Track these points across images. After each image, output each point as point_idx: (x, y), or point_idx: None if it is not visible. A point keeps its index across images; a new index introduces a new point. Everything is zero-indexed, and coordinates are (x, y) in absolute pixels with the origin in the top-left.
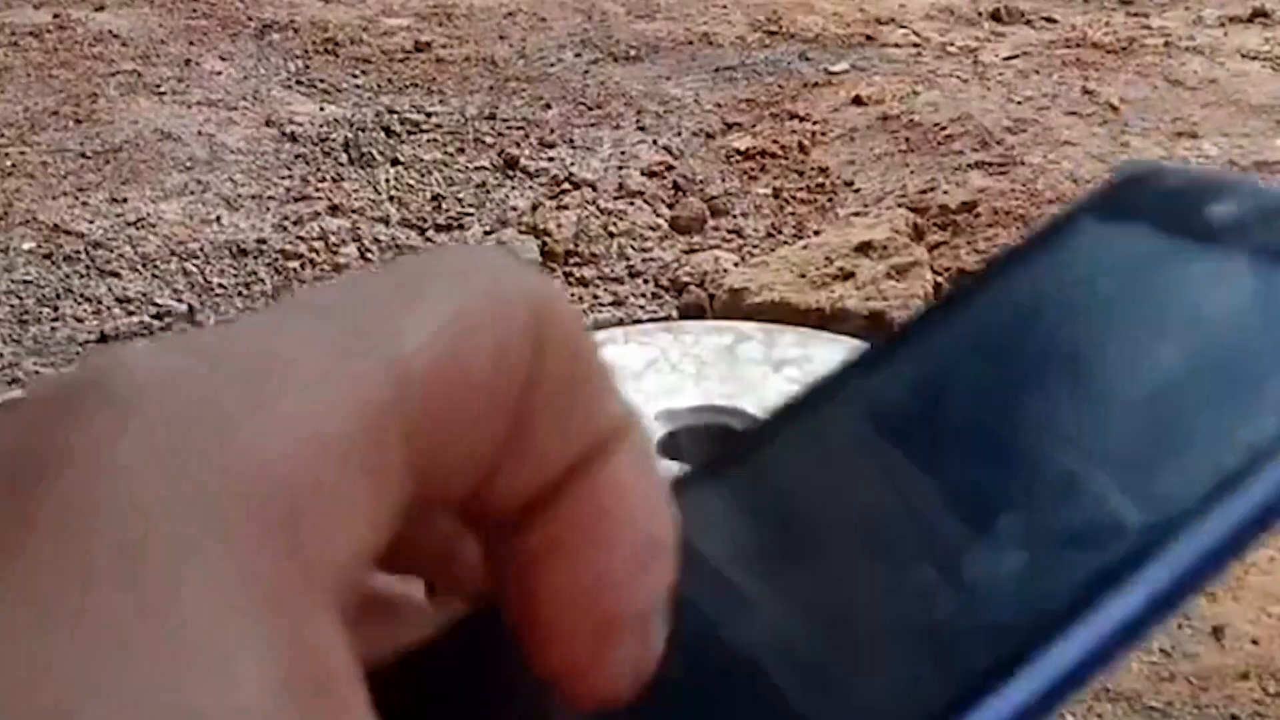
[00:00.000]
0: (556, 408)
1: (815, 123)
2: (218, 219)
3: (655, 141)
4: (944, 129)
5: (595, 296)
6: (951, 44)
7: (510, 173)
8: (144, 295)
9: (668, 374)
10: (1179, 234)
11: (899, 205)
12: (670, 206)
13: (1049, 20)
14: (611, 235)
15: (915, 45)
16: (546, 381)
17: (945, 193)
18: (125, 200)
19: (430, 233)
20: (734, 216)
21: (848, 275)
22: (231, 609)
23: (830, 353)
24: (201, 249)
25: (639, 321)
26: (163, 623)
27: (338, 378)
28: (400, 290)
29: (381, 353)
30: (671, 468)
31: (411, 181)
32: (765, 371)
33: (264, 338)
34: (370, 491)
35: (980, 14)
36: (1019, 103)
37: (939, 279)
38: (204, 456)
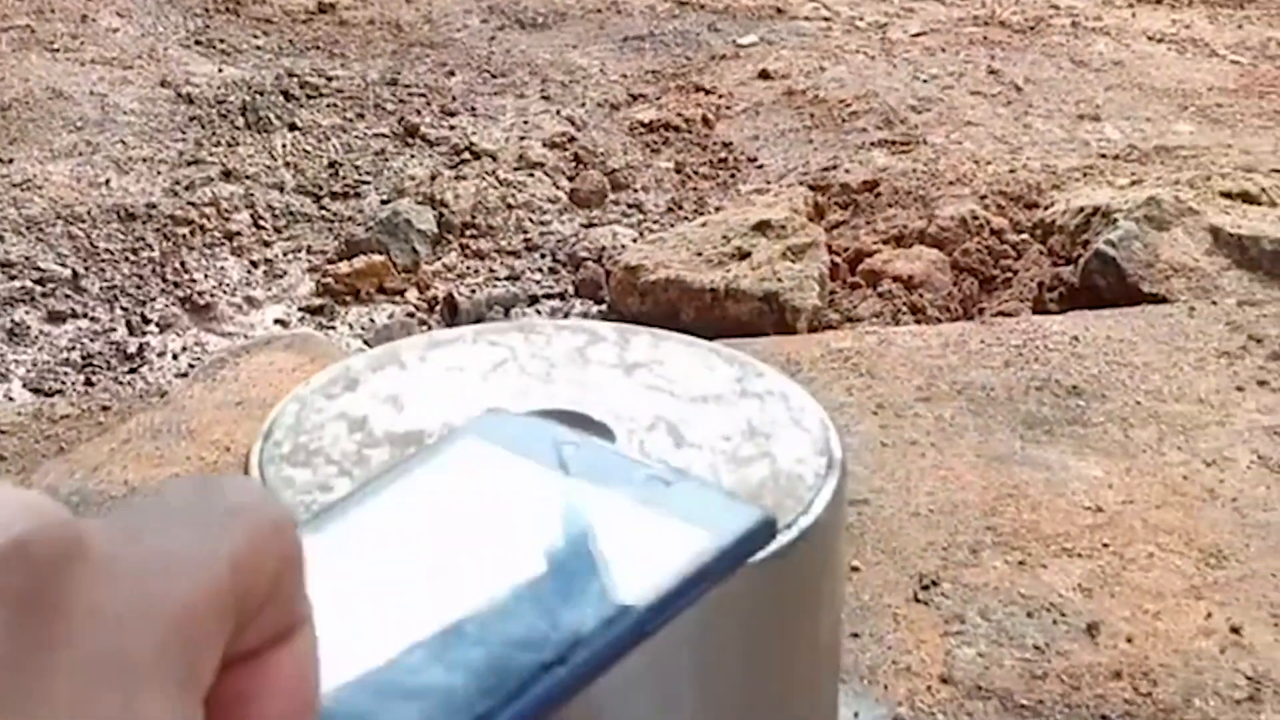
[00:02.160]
0: (273, 602)
1: (721, 96)
2: (106, 182)
3: (559, 112)
4: (849, 106)
5: (491, 270)
6: (861, 19)
7: (410, 141)
8: (27, 259)
9: (515, 376)
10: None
11: (800, 183)
12: (570, 179)
13: None
14: (510, 207)
15: (825, 19)
16: (276, 586)
17: (847, 171)
18: (11, 161)
19: (325, 200)
20: (634, 190)
21: (744, 255)
22: (165, 695)
23: (684, 357)
24: (89, 212)
25: (535, 299)
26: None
27: (209, 564)
28: (217, 511)
29: (224, 551)
30: None
31: (308, 148)
32: (616, 375)
33: (164, 525)
34: (225, 633)
35: None
36: (924, 81)
37: (836, 259)
38: (158, 603)
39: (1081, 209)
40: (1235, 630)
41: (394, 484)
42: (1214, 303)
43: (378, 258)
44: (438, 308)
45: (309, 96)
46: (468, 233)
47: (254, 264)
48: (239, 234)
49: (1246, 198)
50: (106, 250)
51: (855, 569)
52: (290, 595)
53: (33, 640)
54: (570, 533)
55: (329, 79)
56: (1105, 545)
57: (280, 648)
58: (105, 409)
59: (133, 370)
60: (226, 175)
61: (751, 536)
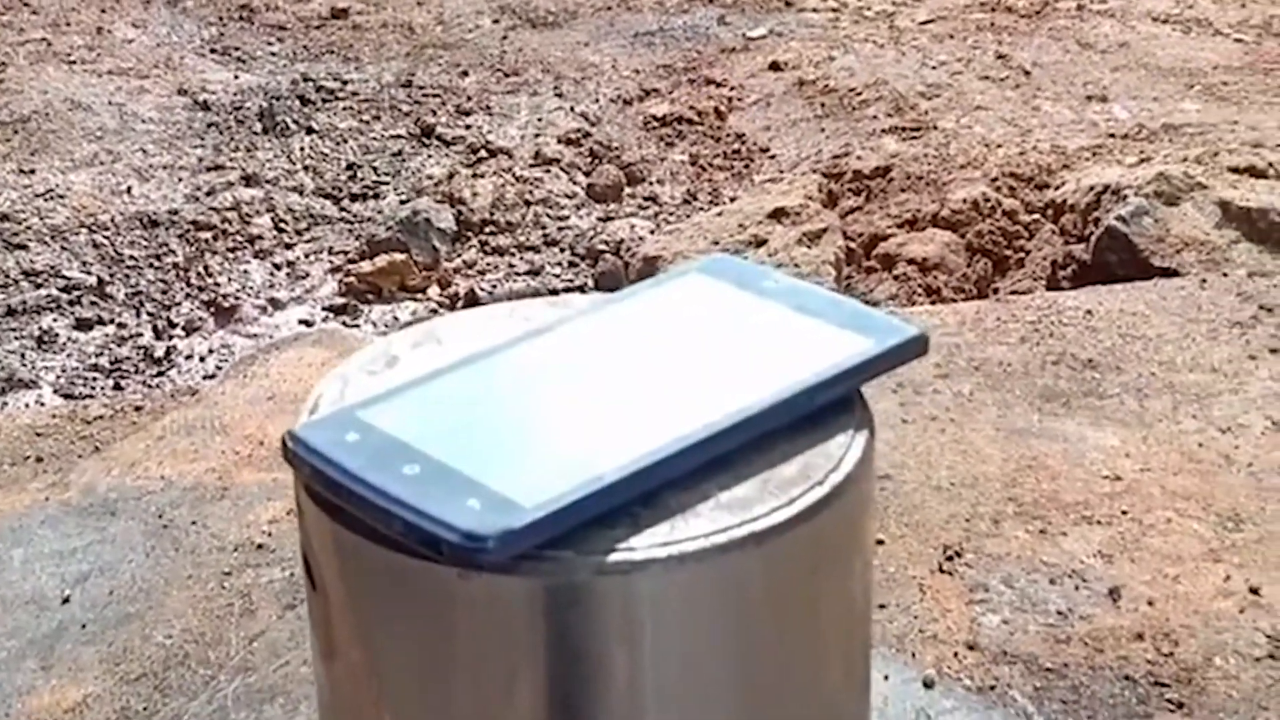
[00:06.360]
0: None
1: (732, 89)
2: (128, 190)
3: (572, 109)
4: (859, 94)
5: (511, 266)
6: (868, 8)
7: (426, 141)
8: (52, 268)
9: None
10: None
11: (813, 171)
12: (587, 174)
13: None
14: (528, 204)
15: (833, 10)
16: None
17: (859, 158)
18: (34, 171)
19: (345, 202)
20: (650, 183)
21: (761, 242)
22: None
23: None
24: (112, 220)
25: (555, 292)
26: None
27: None
28: None
29: None
30: None
31: (326, 150)
32: None
33: None
34: None
35: None
36: (933, 67)
37: (850, 244)
38: None
39: (1092, 187)
40: (1254, 591)
41: (623, 302)
42: (1225, 274)
43: (399, 256)
44: (459, 304)
45: (325, 100)
46: (487, 229)
47: (277, 266)
48: (261, 237)
49: (1254, 172)
50: (131, 257)
51: (880, 542)
52: None
53: None
54: (763, 337)
55: (344, 83)
56: (1124, 512)
57: None
58: (138, 409)
59: (160, 373)
60: (246, 180)
61: (907, 345)
